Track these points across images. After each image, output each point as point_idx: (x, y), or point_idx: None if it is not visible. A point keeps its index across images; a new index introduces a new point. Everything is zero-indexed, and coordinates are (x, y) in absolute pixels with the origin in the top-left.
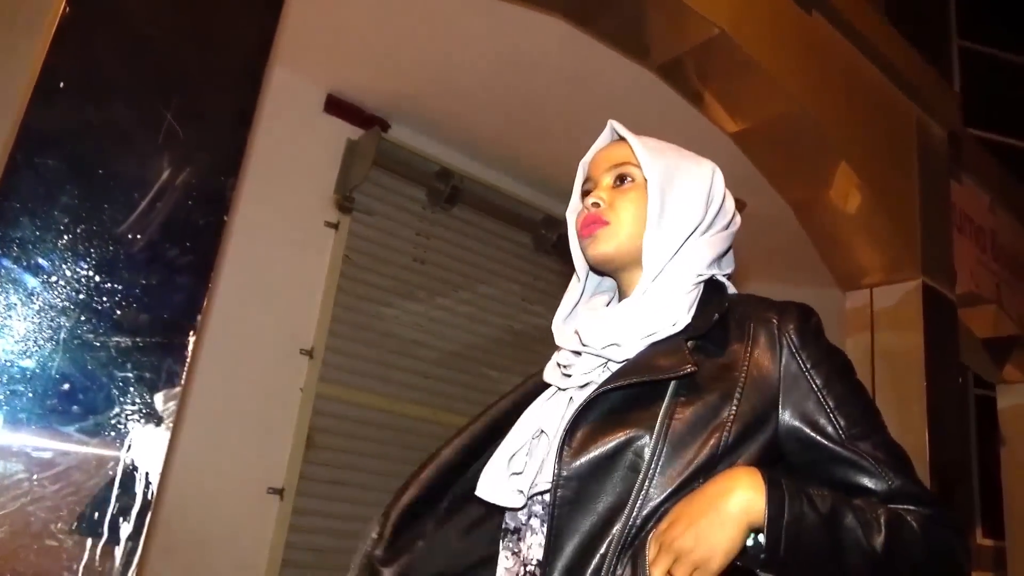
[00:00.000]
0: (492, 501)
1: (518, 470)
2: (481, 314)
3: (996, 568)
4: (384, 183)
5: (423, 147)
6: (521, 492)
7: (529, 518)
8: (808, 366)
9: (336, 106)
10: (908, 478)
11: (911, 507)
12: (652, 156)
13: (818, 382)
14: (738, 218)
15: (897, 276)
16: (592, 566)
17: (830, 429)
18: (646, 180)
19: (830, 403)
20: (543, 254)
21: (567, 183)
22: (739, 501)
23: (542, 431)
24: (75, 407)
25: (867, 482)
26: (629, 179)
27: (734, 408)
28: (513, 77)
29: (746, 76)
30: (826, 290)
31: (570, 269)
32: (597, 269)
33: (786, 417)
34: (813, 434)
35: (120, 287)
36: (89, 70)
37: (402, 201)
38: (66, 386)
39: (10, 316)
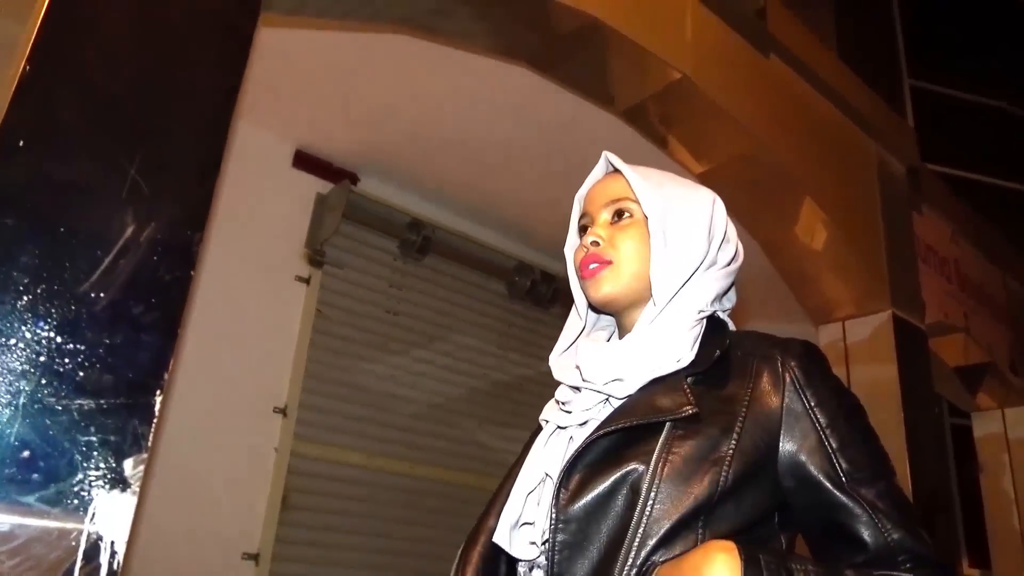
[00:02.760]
0: (509, 552)
1: (529, 520)
2: (457, 364)
3: None
4: (355, 236)
5: (393, 198)
6: (534, 543)
7: (532, 568)
8: (812, 404)
9: (305, 161)
10: (908, 532)
11: (909, 573)
12: (650, 190)
13: (822, 421)
14: (741, 251)
15: (868, 308)
16: None
17: (831, 471)
18: (645, 215)
19: (833, 444)
20: (517, 301)
21: (539, 229)
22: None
23: (547, 475)
24: (35, 475)
25: (864, 534)
26: (628, 215)
27: (734, 443)
28: (481, 126)
29: (709, 118)
30: (799, 325)
31: (543, 315)
32: (597, 309)
33: (786, 454)
34: (813, 475)
35: (83, 347)
36: (50, 126)
37: (373, 253)
38: (26, 453)
39: None
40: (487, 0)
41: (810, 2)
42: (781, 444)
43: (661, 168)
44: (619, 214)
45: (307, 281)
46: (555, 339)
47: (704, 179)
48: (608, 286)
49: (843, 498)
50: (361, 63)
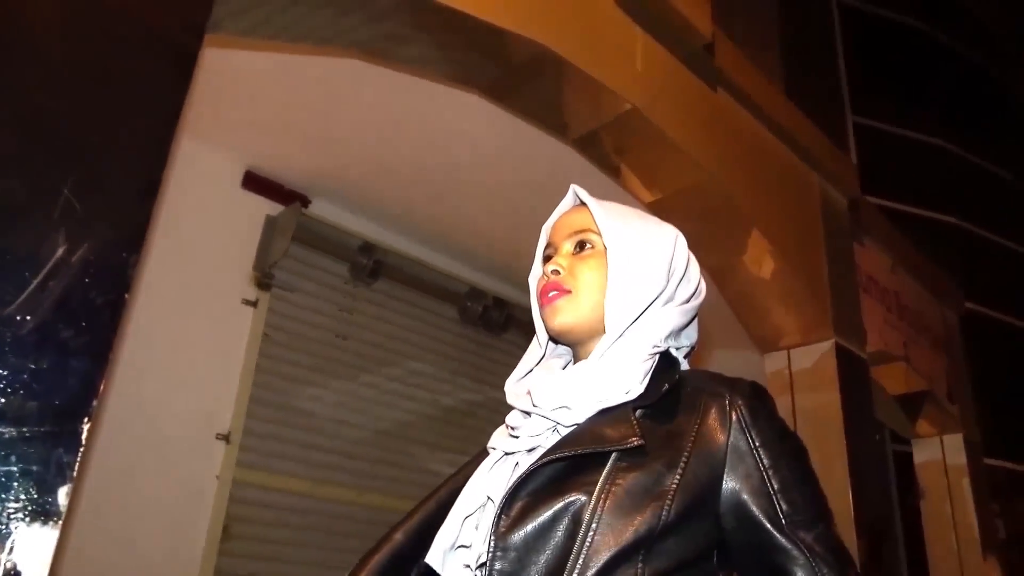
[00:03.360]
0: (440, 573)
1: (466, 543)
2: (407, 389)
3: None
4: (305, 259)
5: (345, 222)
6: (468, 567)
7: None
8: (757, 443)
9: (254, 182)
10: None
11: None
12: (612, 222)
13: (765, 462)
14: (703, 288)
15: (812, 337)
16: None
17: (772, 512)
18: (606, 247)
19: (775, 485)
20: (469, 326)
21: (492, 255)
22: None
23: (488, 499)
24: None
25: (797, 572)
26: (589, 246)
27: (678, 477)
28: (434, 151)
29: (659, 149)
30: (746, 352)
31: (495, 340)
32: (555, 339)
33: (728, 492)
34: (754, 514)
35: (5, 372)
36: None
37: (324, 276)
38: None
39: None
40: (442, 28)
41: (757, 39)
42: (724, 482)
43: (611, 197)
44: (581, 245)
45: (254, 304)
46: (508, 365)
47: (654, 208)
48: (564, 316)
49: (782, 540)
50: (314, 85)
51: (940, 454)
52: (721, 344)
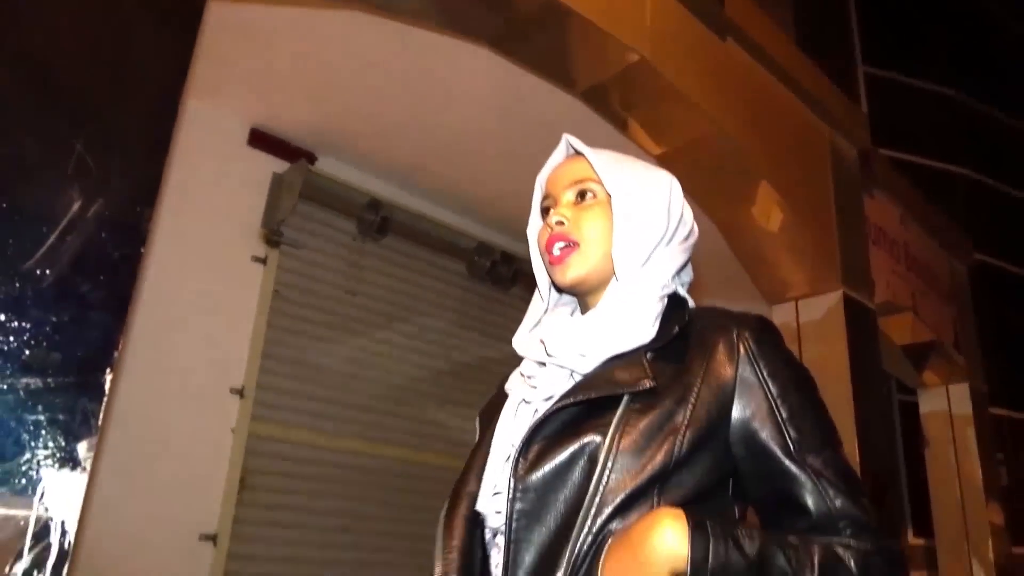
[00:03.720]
0: (487, 519)
1: (499, 489)
2: (417, 344)
3: (928, 566)
4: (313, 216)
5: (352, 178)
6: (500, 512)
7: (496, 535)
8: (765, 374)
9: (261, 140)
10: (852, 501)
11: (850, 540)
12: (612, 170)
13: (773, 391)
14: (696, 228)
15: (820, 288)
16: None
17: (780, 440)
18: (608, 195)
19: (783, 414)
20: (477, 281)
21: (499, 210)
22: (662, 546)
23: (512, 445)
24: None
25: (808, 501)
26: (591, 195)
27: (688, 412)
28: (441, 106)
29: (667, 101)
30: (754, 305)
31: (503, 295)
32: (562, 289)
33: (738, 423)
34: (763, 442)
35: (28, 325)
36: None
37: (332, 233)
38: None
39: None
40: None
41: None
42: (733, 412)
43: (621, 150)
44: (582, 195)
45: (264, 261)
46: (515, 319)
47: (662, 161)
48: (575, 270)
49: (791, 466)
50: (319, 41)
51: (946, 404)
52: (727, 297)
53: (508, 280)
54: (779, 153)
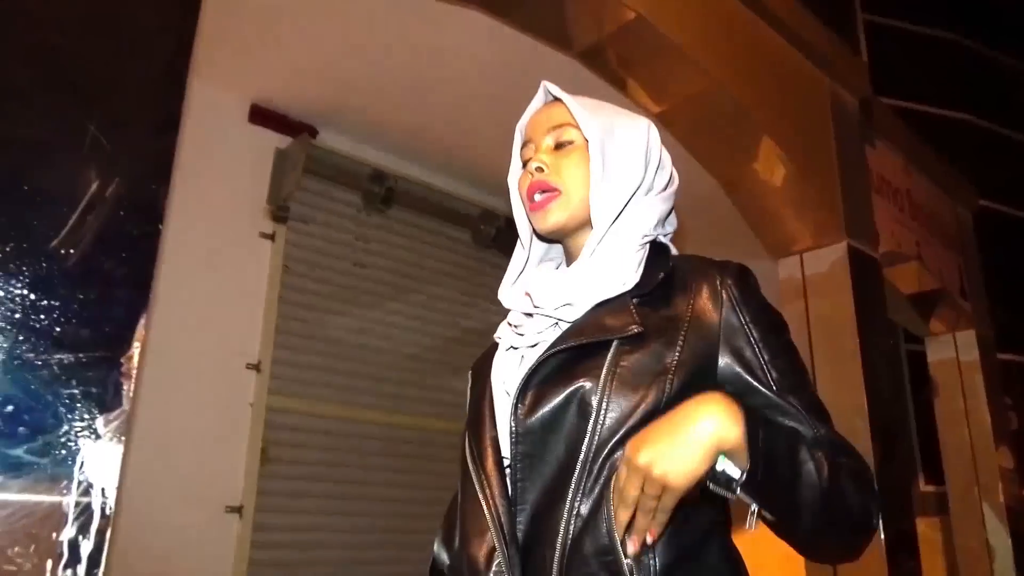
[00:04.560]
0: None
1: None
2: (426, 313)
3: (939, 511)
4: (317, 190)
5: (354, 151)
6: (504, 457)
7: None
8: (747, 319)
9: (261, 115)
10: (831, 429)
11: (839, 456)
12: (589, 115)
13: (756, 336)
14: (676, 176)
15: (824, 240)
16: (556, 512)
17: (764, 378)
18: (586, 140)
19: (765, 356)
20: (483, 248)
21: (502, 177)
22: (712, 424)
23: (506, 392)
24: (21, 428)
25: (797, 427)
26: (568, 140)
27: (676, 355)
28: (438, 73)
29: (664, 58)
30: (758, 261)
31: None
32: (545, 237)
33: (724, 364)
34: (748, 380)
35: (57, 303)
36: (4, 87)
37: (337, 207)
38: (10, 408)
39: None
40: None
41: None
42: (720, 355)
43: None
44: (561, 143)
45: (271, 238)
46: None
47: (662, 119)
48: (556, 215)
49: (775, 398)
50: (314, 15)
51: (953, 351)
52: (729, 253)
53: (514, 246)
54: (779, 106)
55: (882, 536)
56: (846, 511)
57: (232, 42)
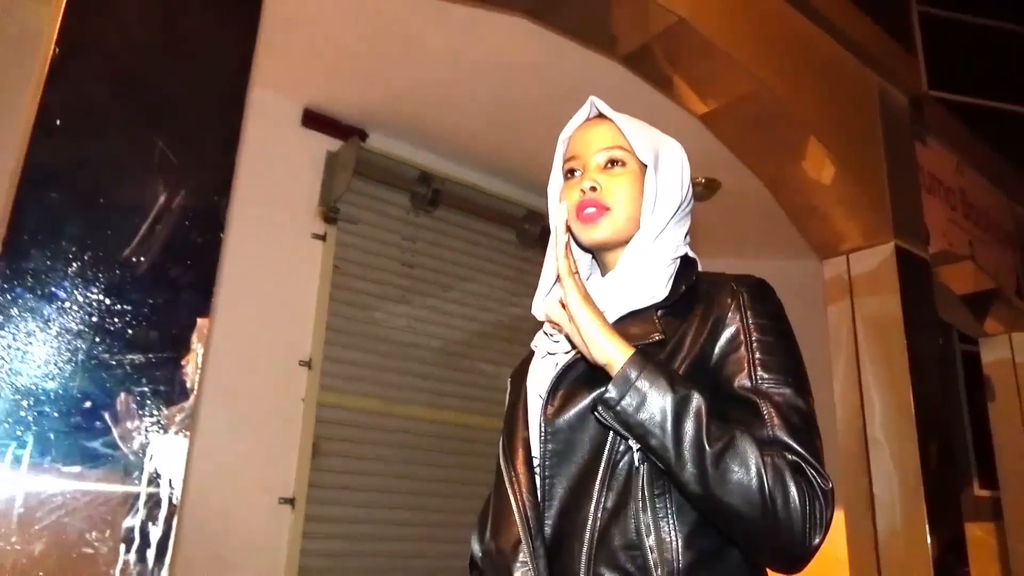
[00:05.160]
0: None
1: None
2: (472, 311)
3: (995, 516)
4: (367, 191)
5: (402, 153)
6: (534, 456)
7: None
8: (749, 321)
9: (313, 119)
10: (792, 435)
11: (781, 460)
12: (643, 142)
13: (753, 336)
14: (691, 192)
15: (871, 241)
16: (584, 506)
17: (746, 373)
18: (638, 164)
19: (756, 354)
20: (527, 248)
21: (544, 176)
22: (611, 353)
23: (539, 396)
24: (97, 423)
25: (753, 424)
26: (620, 163)
27: (684, 358)
28: (482, 78)
29: (709, 59)
30: (803, 261)
31: None
32: (585, 248)
33: (716, 354)
34: (727, 374)
35: (129, 307)
36: (82, 106)
37: (386, 207)
38: (88, 404)
39: (31, 343)
40: None
41: None
42: (716, 350)
43: (663, 111)
44: (612, 162)
45: (323, 238)
46: None
47: (707, 120)
48: (603, 231)
49: (748, 396)
50: (364, 23)
51: (1009, 352)
52: (777, 253)
53: None
54: (826, 105)
55: (928, 540)
56: (750, 501)
57: (286, 50)
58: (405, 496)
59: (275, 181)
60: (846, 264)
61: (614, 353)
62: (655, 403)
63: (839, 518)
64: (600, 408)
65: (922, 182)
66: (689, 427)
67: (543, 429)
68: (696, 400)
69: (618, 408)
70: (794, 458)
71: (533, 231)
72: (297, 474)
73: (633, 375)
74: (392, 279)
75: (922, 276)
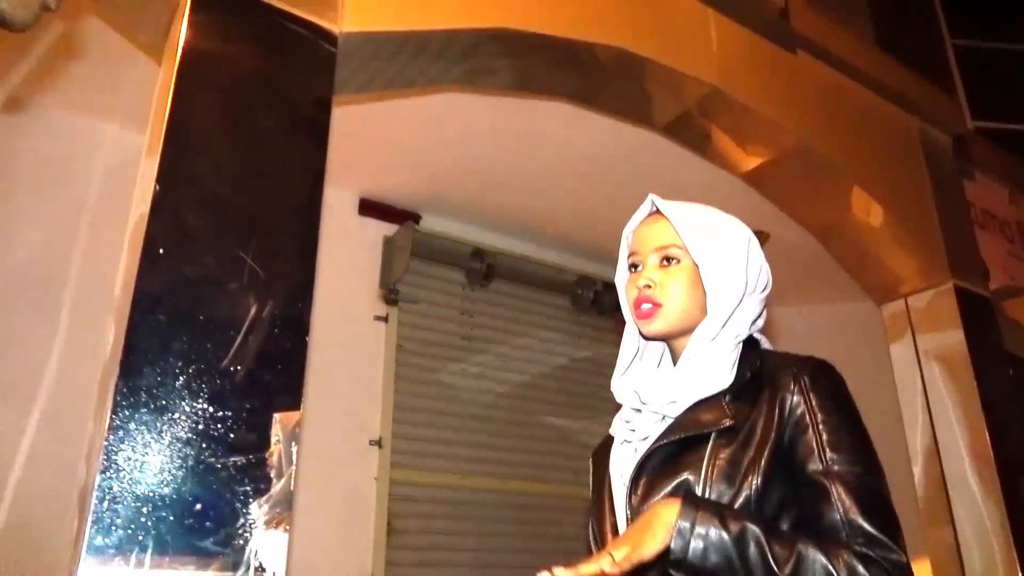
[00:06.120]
0: None
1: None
2: (533, 379)
3: None
4: (424, 271)
5: (455, 232)
6: None
7: None
8: (813, 404)
9: (370, 207)
10: (864, 516)
11: (848, 545)
12: (697, 238)
13: (818, 418)
14: (771, 277)
15: (928, 283)
16: None
17: (816, 456)
18: (692, 260)
19: (823, 437)
20: (582, 312)
21: (593, 242)
22: (661, 515)
23: (623, 483)
24: (208, 523)
25: (823, 509)
26: (675, 260)
27: (757, 446)
28: (530, 156)
29: (745, 122)
30: (860, 303)
31: (608, 323)
32: (647, 339)
33: (785, 442)
34: (799, 460)
35: (230, 414)
36: (180, 233)
37: (443, 285)
38: (198, 506)
39: (147, 453)
40: (522, 51)
41: None
42: (784, 435)
43: (705, 174)
44: (667, 259)
45: (385, 319)
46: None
47: (749, 179)
48: (656, 325)
49: (819, 479)
50: (416, 119)
51: None
52: (834, 298)
53: (611, 308)
54: (867, 155)
55: None
56: None
57: (341, 147)
58: (481, 570)
59: (338, 269)
60: (905, 308)
61: (661, 527)
62: (715, 546)
63: (926, 570)
64: (671, 570)
65: (975, 219)
66: (755, 557)
67: (629, 517)
68: (751, 531)
69: (686, 564)
70: (862, 549)
71: (586, 295)
72: (374, 554)
73: (687, 526)
74: (454, 354)
75: (985, 313)
